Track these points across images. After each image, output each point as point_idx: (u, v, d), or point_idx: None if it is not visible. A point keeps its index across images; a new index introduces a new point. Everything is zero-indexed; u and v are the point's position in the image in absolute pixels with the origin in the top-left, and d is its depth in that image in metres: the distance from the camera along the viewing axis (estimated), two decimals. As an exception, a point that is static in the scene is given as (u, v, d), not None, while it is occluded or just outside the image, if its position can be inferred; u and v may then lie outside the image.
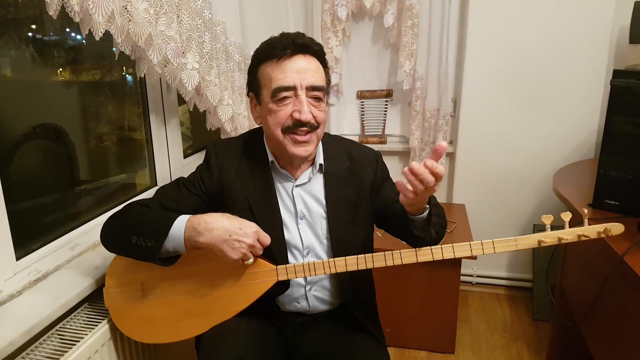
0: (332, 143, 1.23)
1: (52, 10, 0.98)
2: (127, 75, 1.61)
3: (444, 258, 1.01)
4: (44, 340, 1.07)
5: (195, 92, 1.56)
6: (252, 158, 1.19)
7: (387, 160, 1.28)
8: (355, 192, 1.18)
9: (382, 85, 2.59)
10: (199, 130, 2.00)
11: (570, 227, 0.97)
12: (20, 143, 1.23)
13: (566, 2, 2.15)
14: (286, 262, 1.14)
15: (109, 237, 1.11)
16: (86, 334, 1.09)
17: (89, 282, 1.16)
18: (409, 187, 0.90)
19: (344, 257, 1.04)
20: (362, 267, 1.03)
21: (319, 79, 1.08)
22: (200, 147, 2.06)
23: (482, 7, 2.24)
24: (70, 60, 1.37)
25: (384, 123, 2.60)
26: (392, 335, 2.06)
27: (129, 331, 1.13)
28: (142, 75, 1.38)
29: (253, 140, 1.22)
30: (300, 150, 1.09)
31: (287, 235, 1.16)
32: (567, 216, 0.97)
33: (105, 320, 1.15)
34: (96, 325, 1.13)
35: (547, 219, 0.97)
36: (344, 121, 2.68)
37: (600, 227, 0.96)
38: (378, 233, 1.26)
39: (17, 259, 1.13)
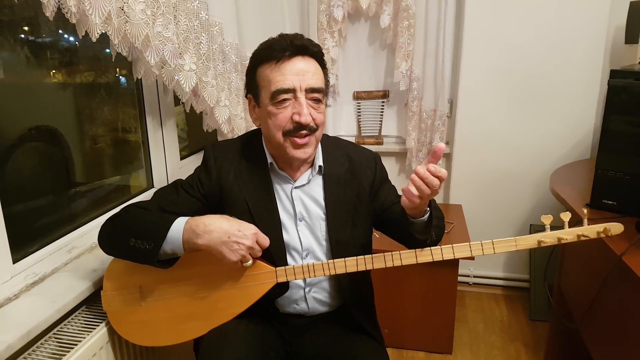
0: (331, 145, 1.23)
1: (49, 11, 0.98)
2: (122, 77, 1.60)
3: (444, 259, 1.02)
4: (41, 343, 1.06)
5: (192, 93, 1.55)
6: (250, 160, 1.18)
7: (384, 161, 1.28)
8: (354, 194, 1.18)
9: (378, 86, 2.59)
10: (194, 132, 1.99)
11: (569, 227, 0.98)
12: (15, 145, 1.22)
13: (562, 2, 2.15)
14: (285, 264, 1.14)
15: (106, 240, 1.10)
16: (84, 337, 1.08)
17: (86, 285, 1.15)
18: (415, 192, 0.90)
19: (343, 259, 1.03)
20: (361, 268, 1.03)
21: (318, 81, 1.08)
22: (196, 149, 2.05)
23: (478, 8, 2.24)
24: (65, 62, 1.36)
25: (381, 124, 2.60)
26: (390, 336, 2.06)
27: (127, 334, 1.12)
28: (140, 77, 1.38)
29: (251, 141, 1.21)
30: (300, 153, 1.09)
31: (286, 237, 1.16)
32: (566, 216, 0.97)
33: (103, 324, 1.14)
34: (94, 329, 1.12)
35: (547, 219, 0.97)
36: (341, 122, 2.67)
37: (599, 227, 0.97)
38: (376, 234, 1.26)
39: (14, 262, 1.12)
